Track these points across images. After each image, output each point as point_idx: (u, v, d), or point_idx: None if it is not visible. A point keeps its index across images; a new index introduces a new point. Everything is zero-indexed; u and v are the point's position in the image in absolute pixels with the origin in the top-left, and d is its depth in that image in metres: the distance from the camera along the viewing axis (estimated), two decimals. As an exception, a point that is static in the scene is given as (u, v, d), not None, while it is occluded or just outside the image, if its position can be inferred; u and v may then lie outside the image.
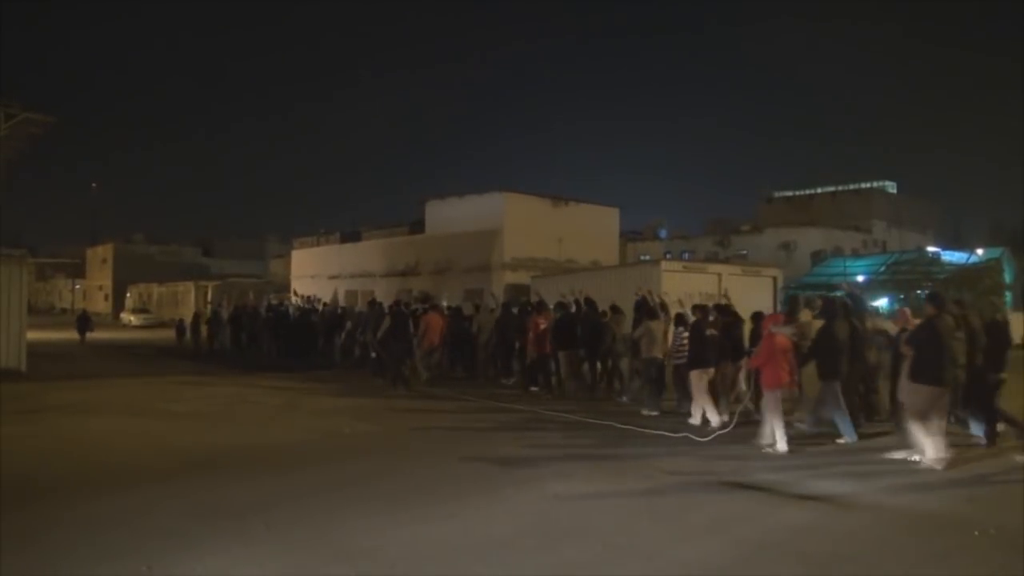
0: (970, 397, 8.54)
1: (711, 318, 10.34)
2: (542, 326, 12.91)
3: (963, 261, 31.53)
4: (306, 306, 22.91)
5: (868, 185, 67.08)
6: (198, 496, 6.18)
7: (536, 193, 29.45)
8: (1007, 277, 29.06)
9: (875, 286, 31.20)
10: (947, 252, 34.26)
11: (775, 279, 27.89)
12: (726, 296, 13.22)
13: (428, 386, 13.78)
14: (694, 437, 8.77)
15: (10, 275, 15.83)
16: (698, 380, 9.93)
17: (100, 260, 63.94)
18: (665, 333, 11.33)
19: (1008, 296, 27.99)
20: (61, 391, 13.07)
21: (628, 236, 50.76)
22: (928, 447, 7.40)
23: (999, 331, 8.65)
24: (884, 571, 4.65)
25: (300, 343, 20.48)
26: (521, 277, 26.27)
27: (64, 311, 60.45)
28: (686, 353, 10.29)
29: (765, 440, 8.33)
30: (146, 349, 25.35)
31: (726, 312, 10.99)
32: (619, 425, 9.67)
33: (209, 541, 5.00)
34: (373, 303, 17.50)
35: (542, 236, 27.90)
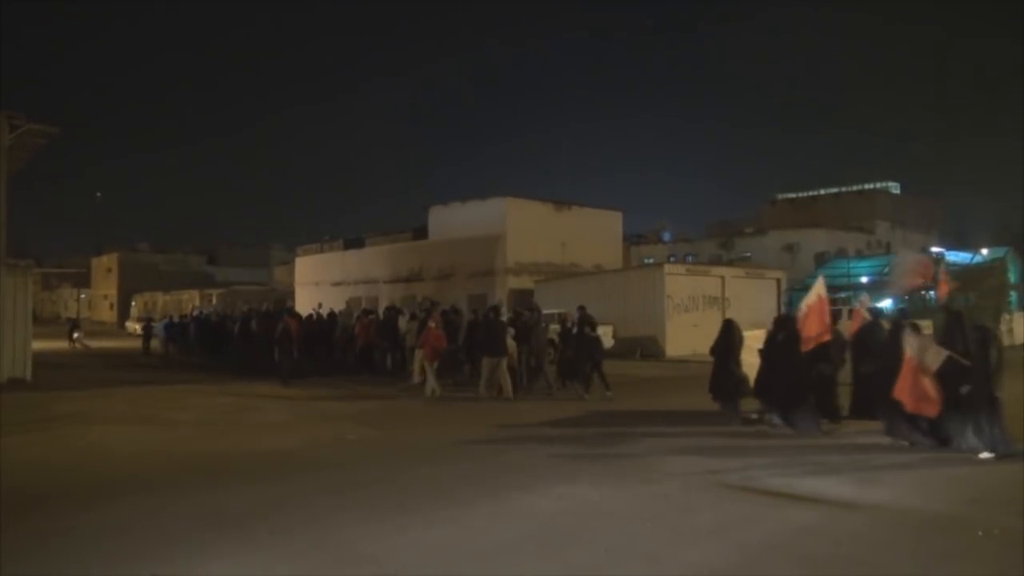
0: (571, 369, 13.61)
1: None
2: (362, 326, 18.24)
3: (967, 261, 31.32)
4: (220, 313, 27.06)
5: (871, 186, 67.14)
6: (203, 502, 6.21)
7: (539, 198, 29.50)
8: (1012, 277, 28.86)
9: (879, 287, 31.05)
10: (951, 252, 34.06)
11: (779, 281, 27.87)
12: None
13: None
14: (403, 394, 13.56)
15: (15, 285, 15.92)
16: (419, 356, 14.05)
17: (105, 269, 64.11)
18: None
19: (1013, 296, 27.80)
20: (67, 400, 13.11)
21: (632, 239, 50.76)
22: (481, 385, 12.82)
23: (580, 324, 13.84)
24: (890, 572, 4.63)
25: (216, 345, 23.74)
26: (524, 282, 26.29)
27: (69, 320, 60.67)
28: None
29: (428, 391, 12.98)
30: (149, 357, 25.53)
31: (497, 313, 14.68)
32: (397, 390, 14.19)
33: (214, 547, 5.02)
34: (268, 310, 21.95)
35: (545, 241, 27.93)
